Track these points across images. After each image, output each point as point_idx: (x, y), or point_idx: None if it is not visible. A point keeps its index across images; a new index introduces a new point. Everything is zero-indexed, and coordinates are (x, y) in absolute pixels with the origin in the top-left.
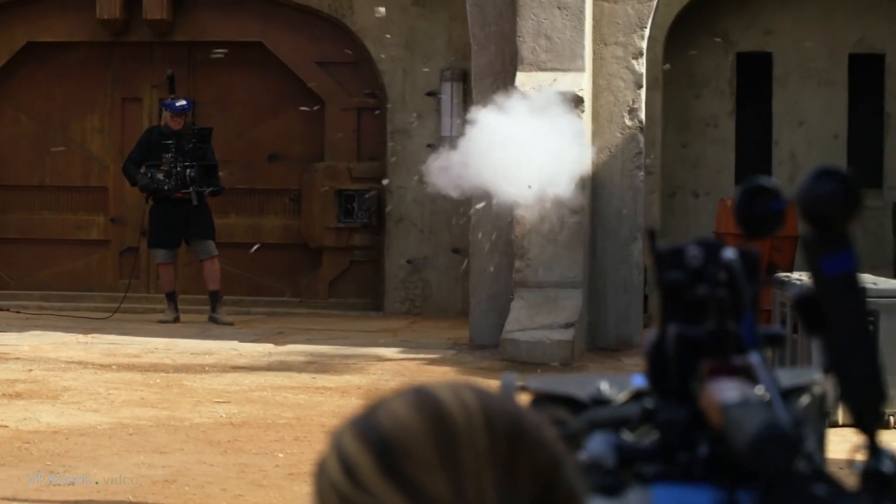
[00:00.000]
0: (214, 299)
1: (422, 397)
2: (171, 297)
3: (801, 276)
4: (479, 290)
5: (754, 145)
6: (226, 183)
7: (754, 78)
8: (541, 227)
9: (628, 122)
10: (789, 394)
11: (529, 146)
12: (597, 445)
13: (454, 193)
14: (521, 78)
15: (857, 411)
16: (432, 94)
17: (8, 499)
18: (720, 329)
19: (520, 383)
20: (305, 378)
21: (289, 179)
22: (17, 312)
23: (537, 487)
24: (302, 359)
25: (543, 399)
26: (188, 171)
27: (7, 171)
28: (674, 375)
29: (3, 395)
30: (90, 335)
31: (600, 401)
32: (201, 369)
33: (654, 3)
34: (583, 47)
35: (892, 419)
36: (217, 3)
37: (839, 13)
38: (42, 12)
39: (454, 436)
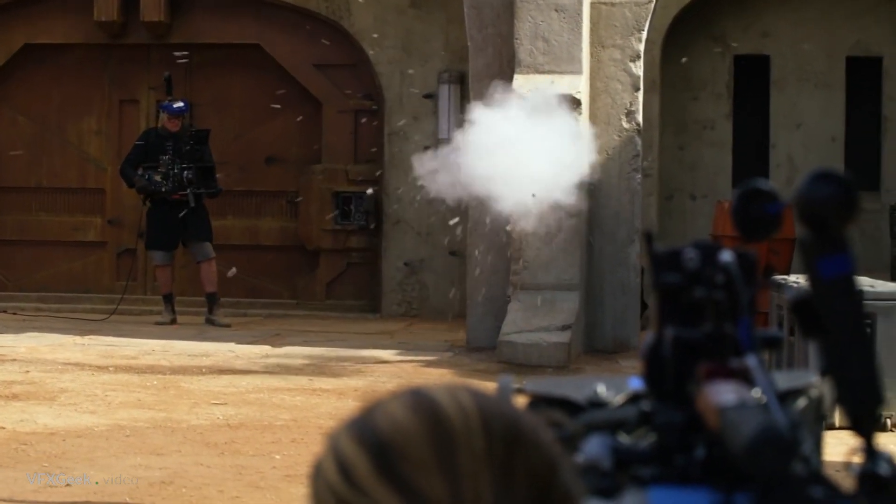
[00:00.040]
0: (211, 301)
1: (419, 399)
2: (168, 299)
3: (798, 279)
4: (476, 292)
5: (751, 148)
6: (223, 185)
7: (751, 80)
8: (538, 230)
9: (625, 125)
10: (786, 396)
11: (527, 149)
12: (593, 448)
13: (449, 197)
14: (519, 80)
15: (854, 414)
16: (429, 96)
17: (5, 500)
18: (717, 332)
19: (516, 385)
20: (302, 380)
21: (286, 181)
22: (14, 314)
23: (534, 489)
24: (299, 361)
25: (540, 401)
26: (185, 172)
27: (4, 173)
28: (671, 378)
29: (0, 396)
30: (87, 337)
31: (597, 403)
32: (198, 371)
33: (652, 5)
34: (580, 50)
35: (888, 422)
36: (214, 5)
37: (837, 16)
38: (40, 14)
39: (451, 438)
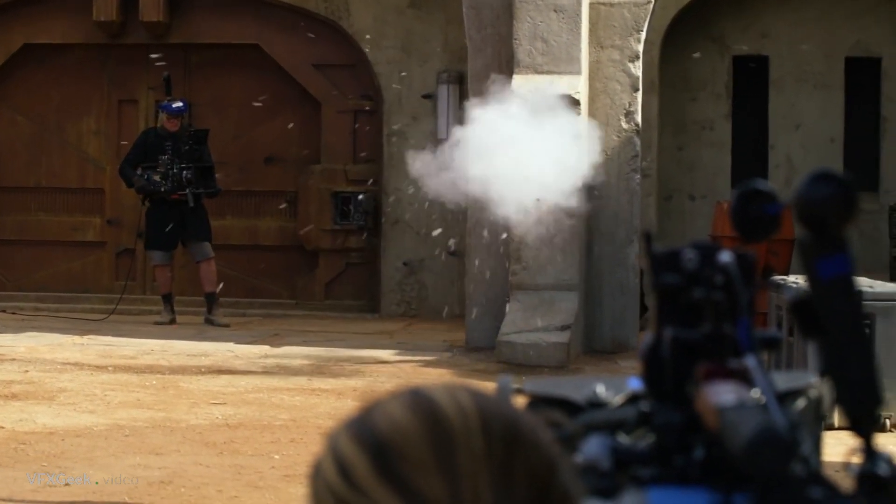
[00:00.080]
0: (211, 301)
1: (418, 399)
2: (168, 299)
3: (797, 280)
4: (475, 292)
5: (750, 148)
6: (222, 185)
7: (751, 81)
8: (537, 230)
9: (624, 126)
10: (785, 397)
11: (527, 149)
12: (593, 448)
13: (447, 197)
14: (518, 81)
15: (853, 414)
16: (428, 96)
17: (5, 499)
18: (716, 332)
19: (515, 386)
20: (301, 380)
21: (285, 181)
22: (14, 314)
23: (533, 489)
24: (298, 361)
25: (539, 401)
26: (185, 172)
27: (4, 173)
28: (670, 378)
29: (0, 396)
30: (86, 336)
31: (596, 403)
32: (197, 371)
33: (651, 6)
34: (579, 50)
35: (887, 422)
36: (213, 5)
37: (836, 16)
38: (39, 14)
39: (450, 438)
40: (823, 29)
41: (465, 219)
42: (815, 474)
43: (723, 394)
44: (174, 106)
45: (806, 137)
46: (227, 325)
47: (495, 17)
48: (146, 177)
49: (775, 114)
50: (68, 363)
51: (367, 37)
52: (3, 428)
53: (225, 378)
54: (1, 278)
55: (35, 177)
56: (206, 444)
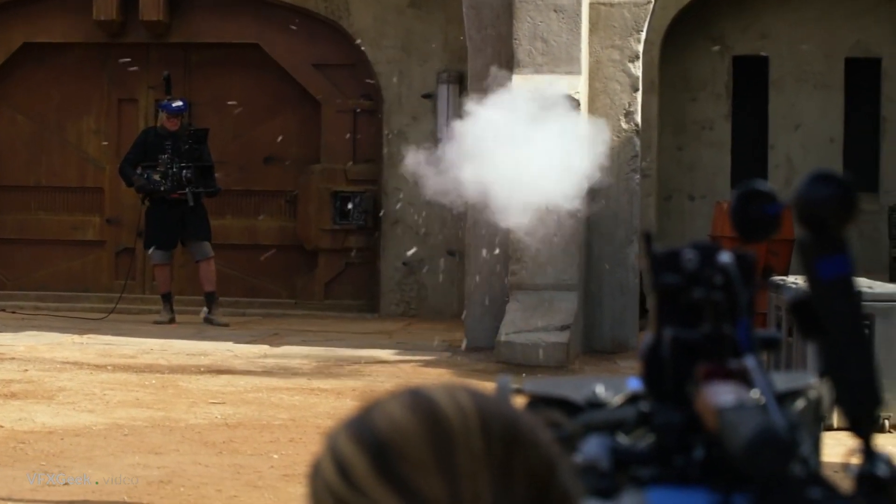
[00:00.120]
0: (210, 300)
1: (417, 399)
2: (167, 298)
3: (796, 280)
4: (474, 292)
5: (750, 149)
6: (222, 184)
7: (750, 81)
8: (536, 230)
9: (624, 126)
10: (785, 397)
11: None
12: (592, 448)
13: (445, 198)
14: (518, 80)
15: (853, 415)
16: (428, 96)
17: (4, 499)
18: (716, 332)
19: (515, 386)
20: (301, 380)
21: (285, 181)
22: (13, 313)
23: (532, 489)
24: (297, 360)
25: (539, 401)
26: (184, 172)
27: (4, 172)
28: (669, 379)
29: None
30: (86, 336)
31: (596, 403)
32: (197, 370)
33: (651, 6)
34: (579, 50)
35: (887, 423)
36: (213, 4)
37: (836, 17)
38: (39, 13)
39: (450, 438)
40: (823, 29)
41: (465, 219)
42: (814, 475)
43: (722, 394)
44: (174, 105)
45: (806, 138)
46: (226, 325)
47: (495, 17)
48: (146, 176)
49: (775, 114)
50: (68, 362)
51: (367, 37)
52: (2, 427)
53: (224, 377)
54: (1, 277)
55: (35, 176)
56: (205, 443)
